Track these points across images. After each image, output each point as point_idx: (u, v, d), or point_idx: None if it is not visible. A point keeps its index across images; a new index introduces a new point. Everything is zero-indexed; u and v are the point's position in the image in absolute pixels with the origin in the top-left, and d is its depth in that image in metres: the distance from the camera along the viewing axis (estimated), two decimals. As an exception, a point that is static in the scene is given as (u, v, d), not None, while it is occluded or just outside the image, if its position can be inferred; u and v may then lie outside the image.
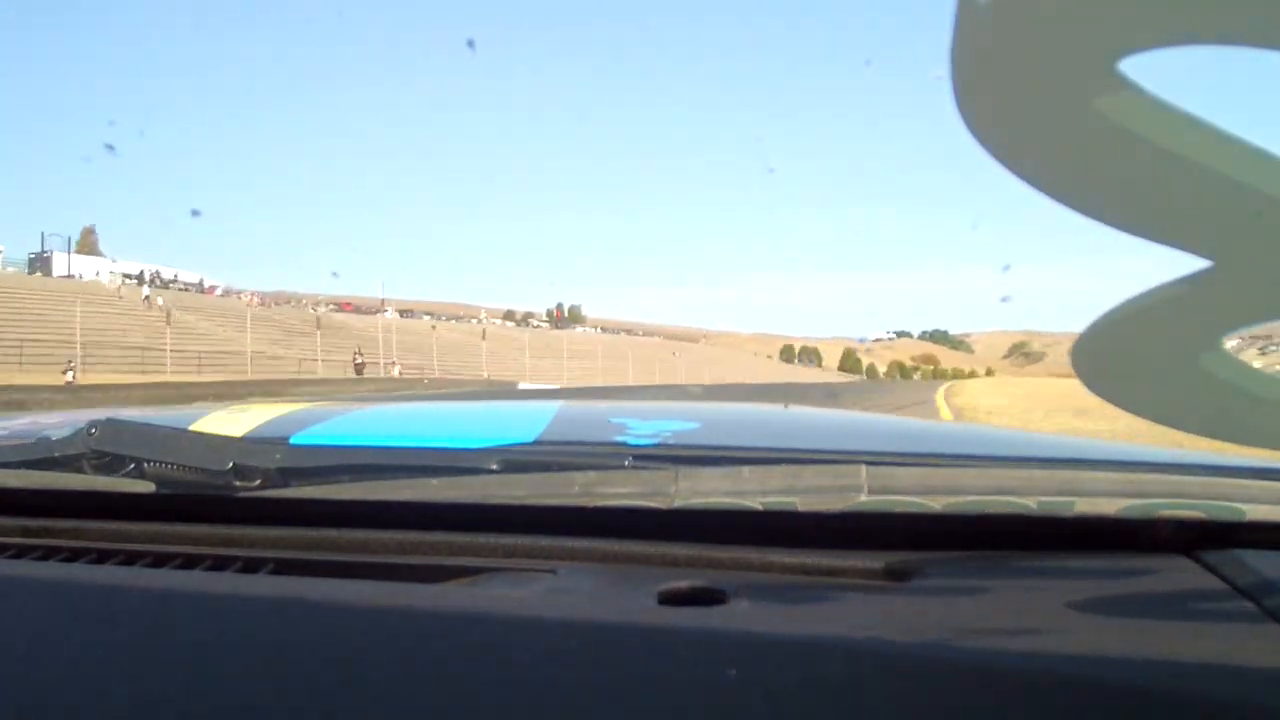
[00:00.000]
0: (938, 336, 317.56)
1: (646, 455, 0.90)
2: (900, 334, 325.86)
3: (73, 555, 0.85)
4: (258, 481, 0.87)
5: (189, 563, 0.83)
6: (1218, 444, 0.44)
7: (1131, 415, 0.43)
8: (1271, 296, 0.36)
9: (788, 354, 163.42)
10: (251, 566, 0.82)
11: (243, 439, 0.98)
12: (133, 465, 0.88)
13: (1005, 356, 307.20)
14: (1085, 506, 0.75)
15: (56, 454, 0.92)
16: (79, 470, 0.91)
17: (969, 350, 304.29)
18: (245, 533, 0.88)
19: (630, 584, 0.74)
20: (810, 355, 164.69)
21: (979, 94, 0.34)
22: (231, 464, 0.87)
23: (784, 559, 0.76)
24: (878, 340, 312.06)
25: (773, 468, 0.80)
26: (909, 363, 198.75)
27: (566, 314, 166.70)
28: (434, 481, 0.86)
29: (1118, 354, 0.42)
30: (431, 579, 0.77)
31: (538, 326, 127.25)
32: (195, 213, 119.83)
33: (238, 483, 0.87)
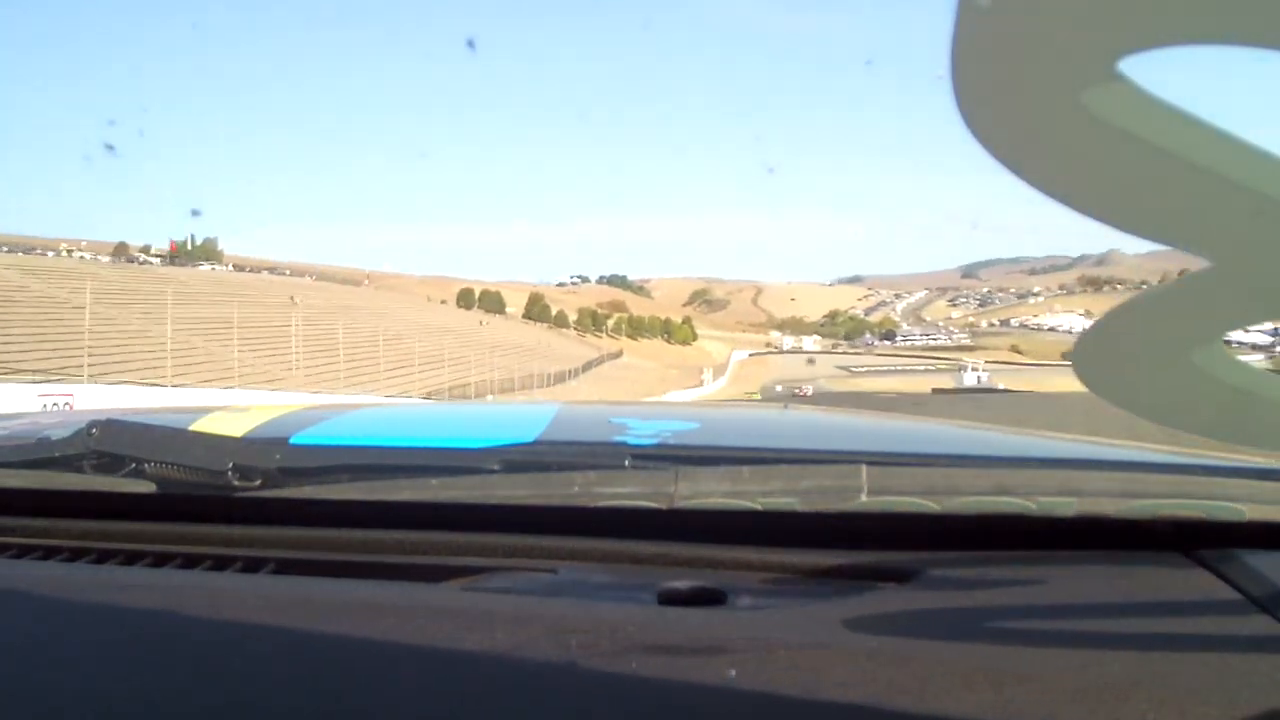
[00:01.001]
0: (617, 281, 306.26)
1: (646, 455, 0.90)
2: (581, 279, 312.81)
3: (73, 555, 0.86)
4: (258, 481, 0.87)
5: (190, 562, 0.83)
6: (1218, 444, 0.45)
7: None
8: (1271, 296, 0.36)
9: (466, 299, 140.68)
10: (252, 566, 0.82)
11: (242, 439, 0.98)
12: (133, 465, 0.88)
13: (687, 304, 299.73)
14: (1085, 506, 0.75)
15: (57, 454, 0.92)
16: (79, 471, 0.90)
17: (649, 296, 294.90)
18: (246, 532, 0.88)
19: (630, 584, 0.74)
20: (492, 300, 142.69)
21: (979, 94, 0.34)
22: (231, 464, 0.86)
23: (784, 559, 0.77)
24: (560, 285, 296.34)
25: (772, 468, 0.80)
26: (599, 309, 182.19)
27: (191, 248, 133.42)
28: (434, 481, 0.85)
29: (1118, 354, 0.42)
30: (432, 579, 0.78)
31: (145, 263, 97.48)
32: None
33: (238, 483, 0.86)
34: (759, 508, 0.77)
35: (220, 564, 0.83)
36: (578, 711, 0.55)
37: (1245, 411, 0.41)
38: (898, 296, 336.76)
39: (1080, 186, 0.35)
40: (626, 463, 0.86)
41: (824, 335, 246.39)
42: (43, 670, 0.61)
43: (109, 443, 0.88)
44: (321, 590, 0.74)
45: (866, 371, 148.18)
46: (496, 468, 0.87)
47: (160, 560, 0.84)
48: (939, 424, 1.41)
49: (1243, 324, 0.38)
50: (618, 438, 1.02)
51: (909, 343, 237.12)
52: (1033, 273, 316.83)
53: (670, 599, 0.70)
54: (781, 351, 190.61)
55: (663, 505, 0.79)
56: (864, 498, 0.76)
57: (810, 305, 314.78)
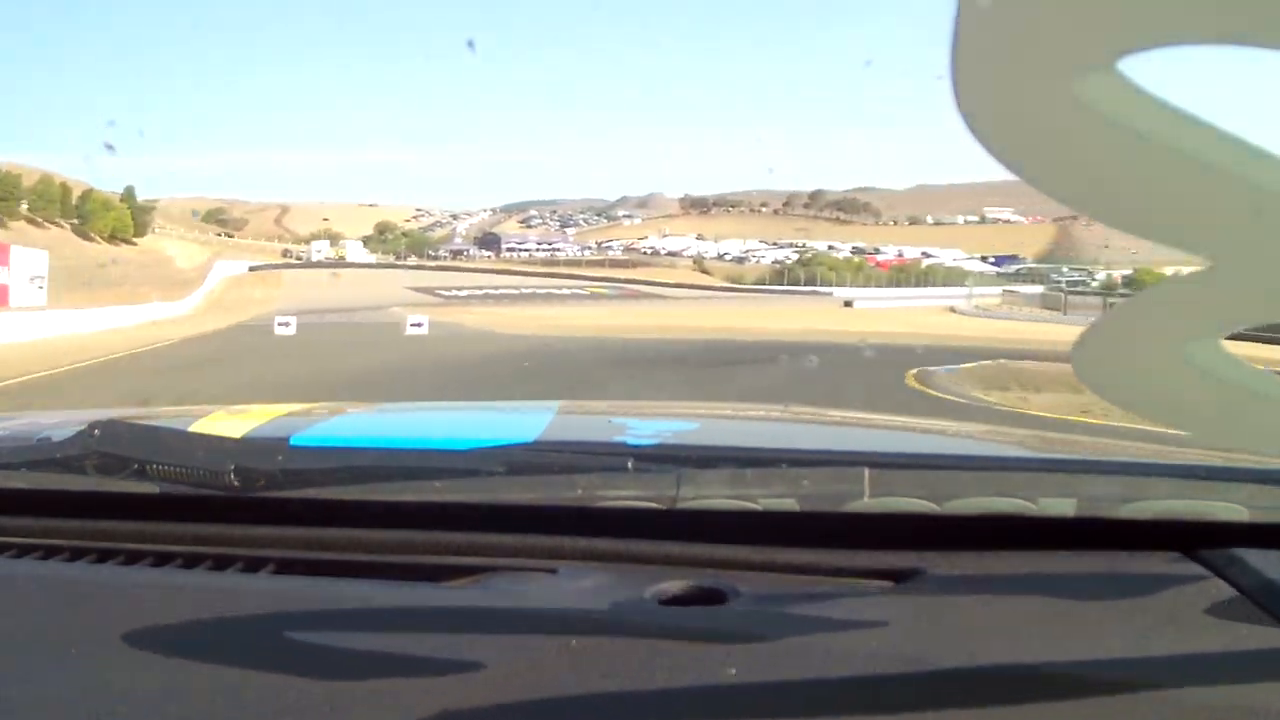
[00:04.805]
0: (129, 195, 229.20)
1: (647, 456, 0.89)
2: None
3: (74, 555, 0.86)
4: (259, 483, 0.86)
5: (190, 562, 0.83)
6: (1218, 444, 0.42)
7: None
8: (1271, 296, 0.36)
9: None
10: (253, 566, 0.82)
11: (244, 440, 0.99)
12: (135, 466, 0.88)
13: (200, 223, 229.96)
14: (1085, 507, 0.76)
15: (59, 455, 0.91)
16: (81, 471, 0.90)
17: (147, 211, 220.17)
18: (247, 532, 0.88)
19: (630, 584, 0.74)
20: None
21: (979, 94, 0.33)
22: (233, 465, 0.86)
23: (784, 559, 0.77)
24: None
25: (774, 471, 0.80)
26: None
27: None
28: (435, 482, 0.85)
29: (1117, 354, 0.42)
30: (432, 578, 0.78)
31: None
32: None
33: (239, 484, 0.86)
34: (760, 509, 0.78)
35: (221, 564, 0.82)
36: (578, 711, 0.55)
37: (1245, 412, 0.41)
38: (455, 218, 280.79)
39: (1081, 187, 0.35)
40: (629, 465, 0.85)
41: (373, 250, 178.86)
42: (44, 669, 0.61)
43: (111, 443, 0.88)
44: (321, 590, 0.74)
45: (470, 296, 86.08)
46: (497, 468, 0.87)
47: (161, 560, 0.84)
48: (940, 427, 1.39)
49: (1243, 324, 0.38)
50: (619, 438, 1.01)
51: (521, 254, 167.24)
52: (573, 213, 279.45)
53: (670, 599, 0.70)
54: (309, 264, 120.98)
55: (665, 507, 0.79)
56: (865, 500, 0.76)
57: (347, 225, 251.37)
